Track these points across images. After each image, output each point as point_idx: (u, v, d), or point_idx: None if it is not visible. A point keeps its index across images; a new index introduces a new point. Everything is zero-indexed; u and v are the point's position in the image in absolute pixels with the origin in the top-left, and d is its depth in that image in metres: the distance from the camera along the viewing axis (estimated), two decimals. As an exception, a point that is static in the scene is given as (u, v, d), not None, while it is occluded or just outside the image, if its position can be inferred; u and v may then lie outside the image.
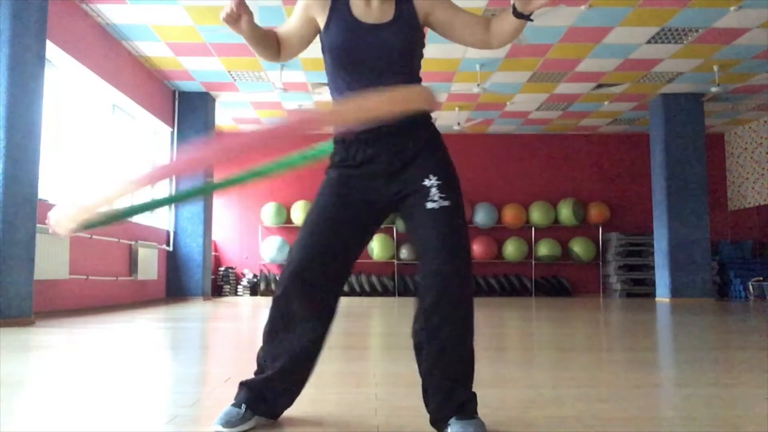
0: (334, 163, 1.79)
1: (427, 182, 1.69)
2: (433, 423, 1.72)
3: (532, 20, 1.70)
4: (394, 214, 1.83)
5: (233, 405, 1.76)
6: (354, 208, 1.75)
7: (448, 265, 1.64)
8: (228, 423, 1.69)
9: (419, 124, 1.74)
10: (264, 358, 1.79)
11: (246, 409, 1.73)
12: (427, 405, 1.73)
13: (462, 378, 1.70)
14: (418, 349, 1.73)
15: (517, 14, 1.66)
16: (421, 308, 1.69)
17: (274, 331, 1.78)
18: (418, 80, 1.81)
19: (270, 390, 1.77)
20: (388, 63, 1.72)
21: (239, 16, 1.67)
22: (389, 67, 1.72)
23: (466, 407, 1.68)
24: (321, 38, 1.81)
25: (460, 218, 1.70)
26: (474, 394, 1.73)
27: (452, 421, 1.65)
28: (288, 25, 1.84)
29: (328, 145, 1.87)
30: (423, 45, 1.80)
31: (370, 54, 1.71)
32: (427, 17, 1.78)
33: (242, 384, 1.80)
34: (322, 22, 1.77)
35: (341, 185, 1.76)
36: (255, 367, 1.83)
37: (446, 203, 1.67)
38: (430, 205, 1.67)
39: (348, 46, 1.71)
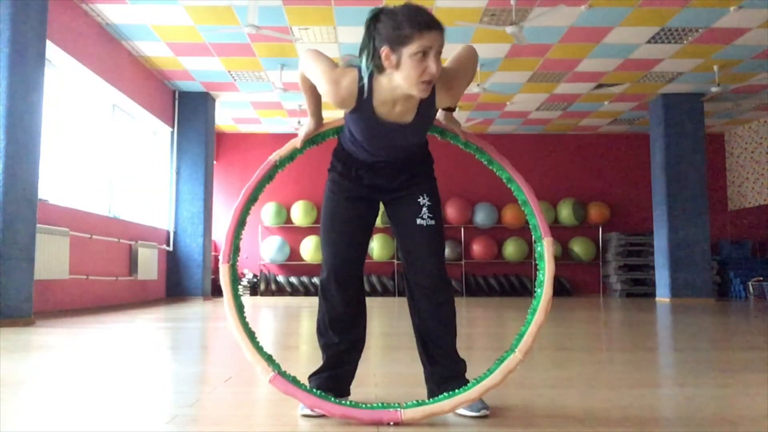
0: (337, 171, 2.04)
1: (421, 200, 2.02)
2: (437, 386, 1.98)
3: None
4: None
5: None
6: (360, 205, 2.04)
7: (436, 272, 2.00)
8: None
9: (419, 158, 2.04)
10: (324, 344, 2.06)
11: (320, 393, 1.91)
12: (432, 368, 2.01)
13: (456, 354, 2.03)
14: (422, 338, 2.03)
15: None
16: (419, 304, 2.03)
17: (323, 321, 2.06)
18: (427, 146, 2.09)
19: (334, 370, 2.03)
20: (402, 150, 1.98)
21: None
22: (403, 151, 1.98)
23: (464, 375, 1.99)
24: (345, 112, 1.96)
25: (441, 236, 2.05)
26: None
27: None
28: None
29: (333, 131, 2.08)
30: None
31: (387, 144, 1.93)
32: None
33: (311, 376, 2.04)
34: (348, 109, 1.90)
35: (347, 189, 2.03)
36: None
37: (432, 222, 2.02)
38: (419, 221, 2.01)
39: (368, 136, 1.92)
